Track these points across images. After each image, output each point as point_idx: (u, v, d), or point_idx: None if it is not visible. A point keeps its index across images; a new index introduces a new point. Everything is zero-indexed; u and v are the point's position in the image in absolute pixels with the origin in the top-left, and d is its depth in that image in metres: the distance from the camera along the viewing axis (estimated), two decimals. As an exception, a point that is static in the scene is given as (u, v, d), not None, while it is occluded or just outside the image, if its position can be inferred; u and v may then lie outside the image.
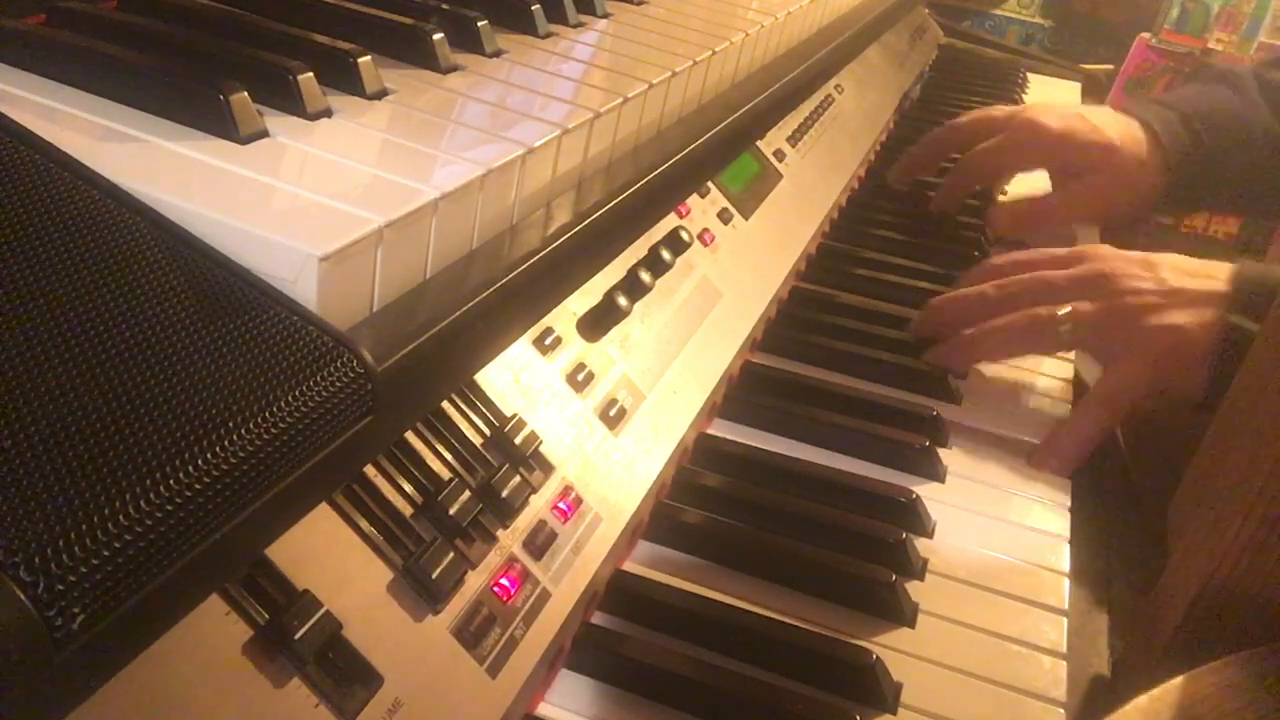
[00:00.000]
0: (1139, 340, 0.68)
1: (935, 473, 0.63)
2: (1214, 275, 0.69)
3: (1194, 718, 0.41)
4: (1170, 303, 0.67)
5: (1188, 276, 0.69)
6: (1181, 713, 0.41)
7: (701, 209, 0.69)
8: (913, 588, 0.54)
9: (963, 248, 0.93)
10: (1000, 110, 1.00)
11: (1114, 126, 0.95)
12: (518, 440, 0.45)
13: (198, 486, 0.27)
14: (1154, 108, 0.98)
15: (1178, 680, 0.42)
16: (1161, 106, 0.98)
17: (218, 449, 0.28)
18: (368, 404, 0.33)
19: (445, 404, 0.43)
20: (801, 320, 0.77)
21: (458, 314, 0.38)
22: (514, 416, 0.45)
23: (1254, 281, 0.67)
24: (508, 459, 0.44)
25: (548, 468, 0.46)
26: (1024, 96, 1.43)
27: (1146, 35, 2.68)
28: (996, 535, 0.59)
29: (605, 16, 0.67)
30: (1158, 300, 0.68)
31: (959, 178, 0.98)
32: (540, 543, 0.44)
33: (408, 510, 0.39)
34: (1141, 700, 0.41)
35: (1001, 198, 1.04)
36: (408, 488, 0.39)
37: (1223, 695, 0.42)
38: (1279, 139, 0.96)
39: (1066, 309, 0.69)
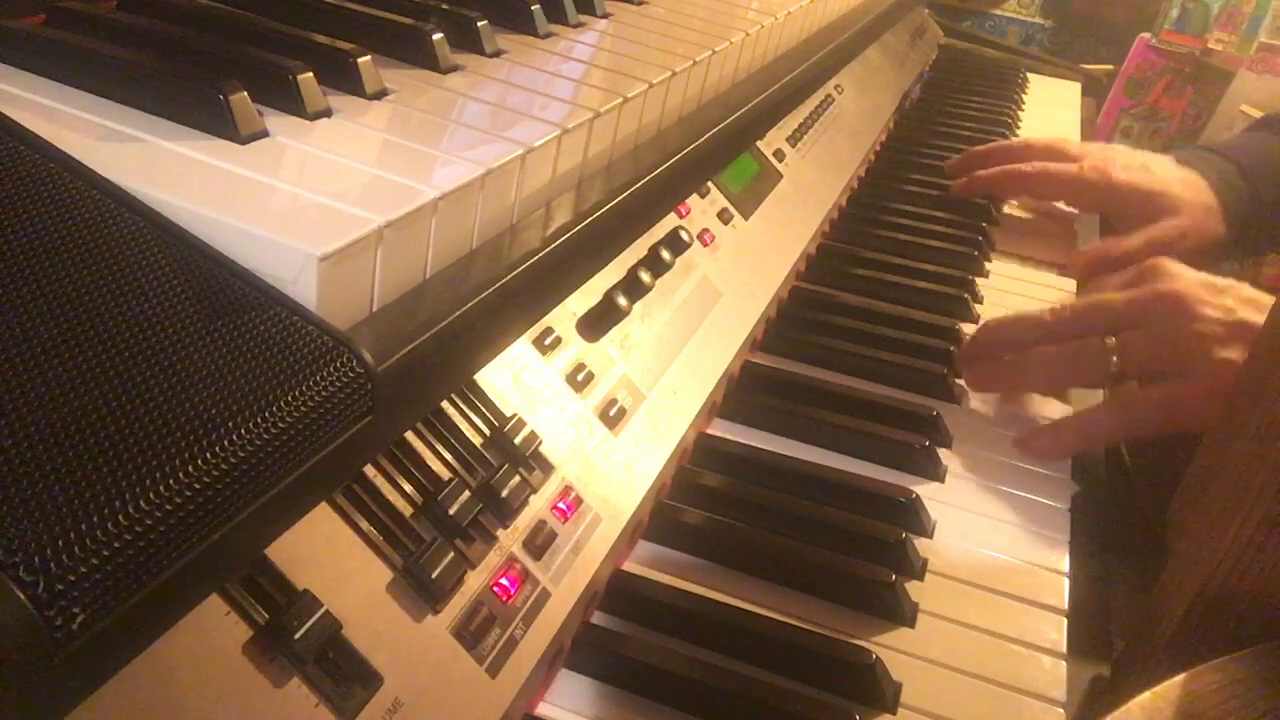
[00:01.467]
0: (1198, 370, 0.64)
1: (935, 473, 0.63)
2: None
3: (1196, 715, 0.41)
4: (1233, 335, 0.64)
5: (1254, 309, 0.65)
6: (1183, 710, 0.41)
7: (701, 209, 0.69)
8: (913, 588, 0.54)
9: (963, 248, 0.93)
10: (1075, 145, 1.01)
11: (1176, 182, 0.95)
12: (518, 440, 0.45)
13: (198, 486, 0.27)
14: (1213, 159, 0.99)
15: (1179, 678, 0.42)
16: (1220, 158, 0.99)
17: (218, 449, 0.28)
18: (367, 404, 0.33)
19: (445, 404, 0.43)
20: (801, 320, 0.77)
21: (458, 314, 0.38)
22: (514, 416, 0.45)
23: None
24: (508, 459, 0.44)
25: (548, 468, 0.46)
26: (1024, 96, 1.44)
27: (1146, 35, 2.68)
28: (996, 535, 0.59)
29: (605, 16, 0.67)
30: (1223, 331, 0.64)
31: (1011, 180, 0.99)
32: (540, 543, 0.44)
33: (408, 510, 0.39)
34: (1144, 698, 0.41)
35: (1013, 210, 1.05)
36: (408, 488, 0.39)
37: (1225, 693, 0.42)
38: None
39: (1112, 341, 0.67)
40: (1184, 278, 0.68)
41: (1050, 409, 0.73)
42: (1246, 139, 1.04)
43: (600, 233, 0.49)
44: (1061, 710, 0.49)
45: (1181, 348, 0.65)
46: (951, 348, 0.75)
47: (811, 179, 0.88)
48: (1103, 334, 0.67)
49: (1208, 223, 0.94)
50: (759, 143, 0.81)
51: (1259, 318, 0.64)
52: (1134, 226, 0.94)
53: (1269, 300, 0.66)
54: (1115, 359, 0.67)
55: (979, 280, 0.88)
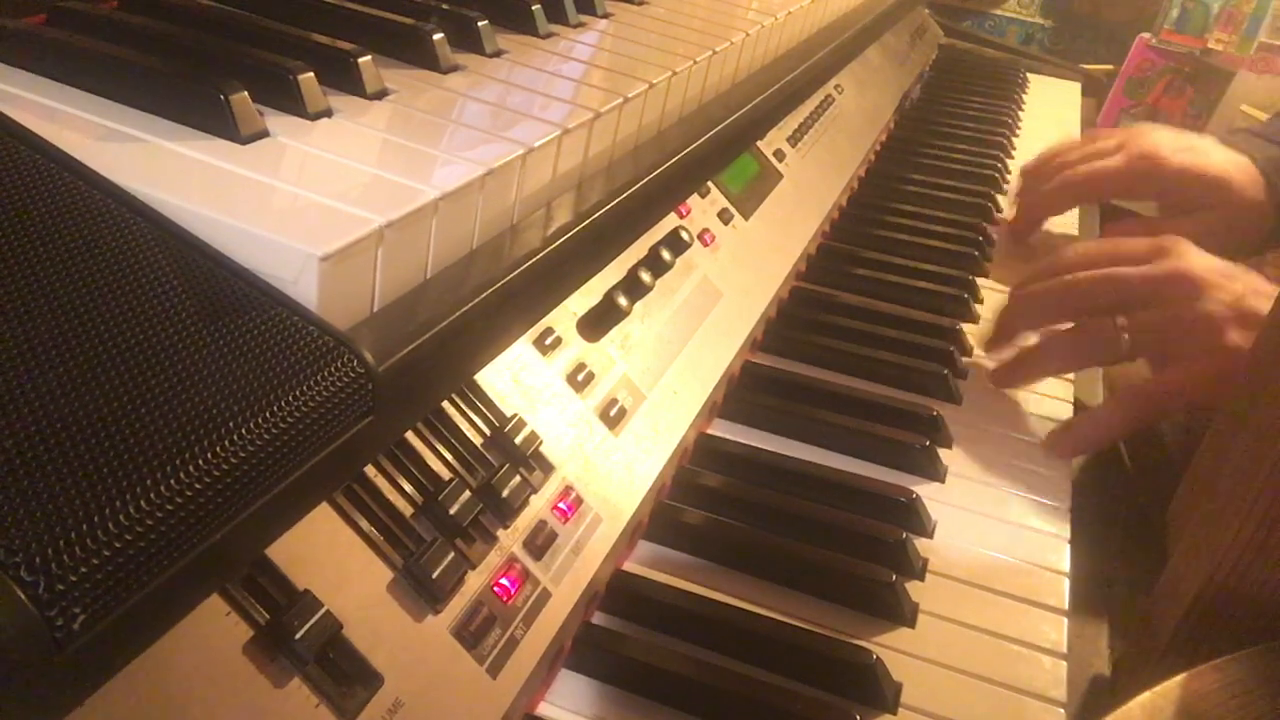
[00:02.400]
0: (1203, 353, 0.65)
1: (935, 473, 0.63)
2: None
3: (1197, 714, 0.41)
4: (1240, 322, 0.65)
5: (1262, 298, 0.66)
6: (1184, 710, 0.41)
7: (701, 209, 0.69)
8: (913, 588, 0.54)
9: (963, 248, 0.93)
10: (1106, 132, 0.99)
11: (1228, 163, 0.93)
12: (518, 440, 0.45)
13: (198, 486, 0.27)
14: (1258, 143, 0.96)
15: (1180, 678, 0.42)
16: (1265, 141, 0.96)
17: (218, 449, 0.28)
18: (368, 404, 0.33)
19: (445, 404, 0.43)
20: (802, 320, 0.77)
21: (458, 314, 0.38)
22: (514, 416, 0.45)
23: None
24: (508, 459, 0.44)
25: (548, 468, 0.46)
26: (1024, 96, 1.44)
27: (1146, 35, 2.68)
28: (996, 535, 0.59)
29: (605, 16, 0.67)
30: (1230, 315, 0.65)
31: (1066, 193, 0.96)
32: (540, 543, 0.44)
33: (408, 510, 0.39)
34: (1144, 697, 0.41)
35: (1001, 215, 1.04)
36: (408, 488, 0.39)
37: (1226, 692, 0.42)
38: None
39: (1124, 322, 0.67)
40: (1198, 258, 0.68)
41: (1050, 407, 0.73)
42: None
43: (600, 233, 0.49)
44: (1061, 710, 0.49)
45: (1188, 330, 0.66)
46: (951, 348, 0.75)
47: (812, 179, 0.88)
48: (1114, 310, 0.68)
49: (1253, 211, 0.91)
50: (759, 143, 0.81)
51: (1266, 307, 0.64)
52: (1185, 211, 0.91)
53: (1275, 290, 0.66)
54: (1126, 337, 0.67)
55: (979, 280, 0.88)
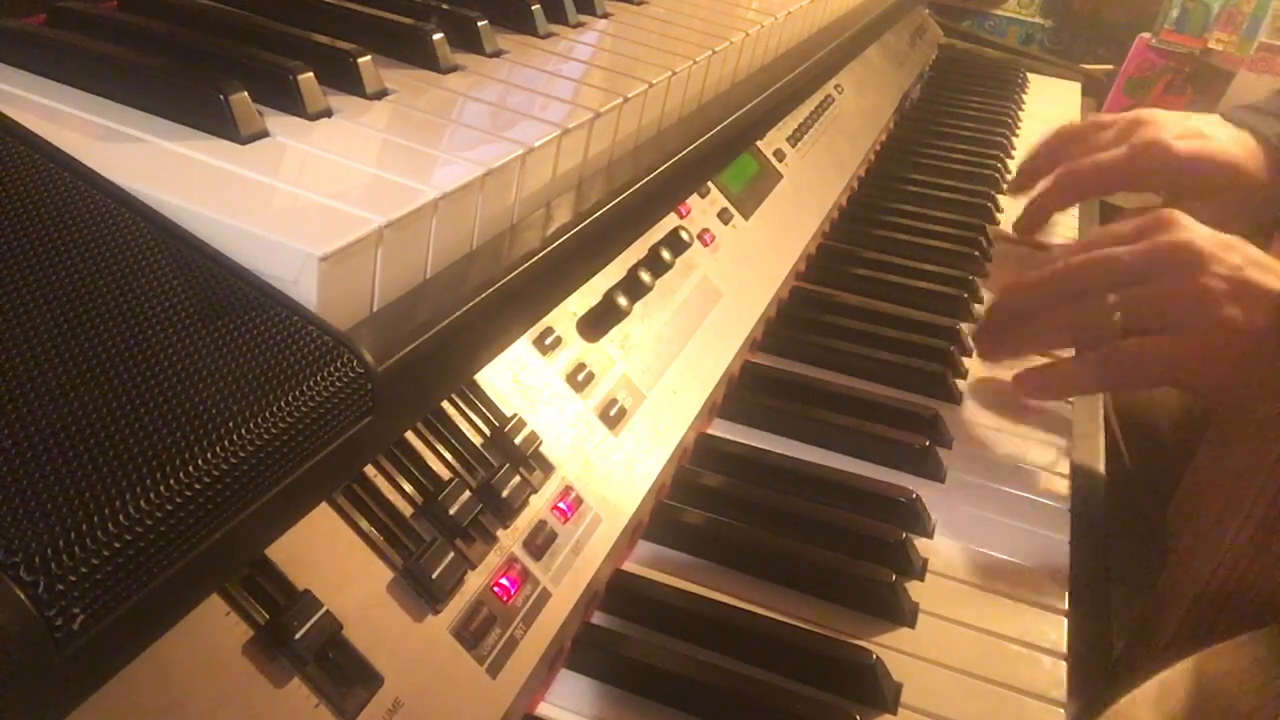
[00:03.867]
0: (1196, 327, 0.64)
1: (935, 473, 0.63)
2: None
3: (1217, 692, 0.40)
4: (1238, 294, 0.63)
5: (1260, 269, 0.64)
6: (1203, 687, 0.41)
7: (701, 209, 0.69)
8: (913, 588, 0.54)
9: (963, 248, 0.93)
10: (1110, 118, 0.95)
11: (1234, 144, 0.90)
12: (518, 440, 0.45)
13: (198, 486, 0.27)
14: (1263, 118, 0.93)
15: (1193, 658, 0.42)
16: (1269, 115, 0.94)
17: (218, 449, 0.28)
18: (368, 404, 0.33)
19: (445, 404, 0.43)
20: (801, 320, 0.77)
21: (458, 314, 0.38)
22: (514, 416, 0.45)
23: None
24: (508, 459, 0.44)
25: (548, 468, 0.46)
26: (1024, 96, 1.44)
27: (1146, 35, 2.68)
28: (996, 535, 0.59)
29: (605, 16, 0.67)
30: (1227, 288, 0.63)
31: (1072, 187, 0.93)
32: (540, 543, 0.44)
33: (408, 510, 0.39)
34: (1162, 675, 0.41)
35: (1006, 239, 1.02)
36: (408, 488, 0.39)
37: (1247, 670, 0.41)
38: None
39: (1116, 299, 0.66)
40: (1194, 229, 0.67)
41: (1052, 406, 0.73)
42: None
43: (600, 233, 0.49)
44: (1061, 710, 0.49)
45: (1184, 302, 0.64)
46: (951, 348, 0.75)
47: (811, 179, 0.88)
48: (1109, 289, 0.67)
49: (1260, 194, 0.89)
50: (759, 143, 0.81)
51: (1264, 278, 0.63)
52: (1195, 197, 0.88)
53: (1274, 263, 0.65)
54: (1119, 315, 0.66)
55: (979, 280, 0.88)
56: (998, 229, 1.00)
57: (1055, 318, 0.69)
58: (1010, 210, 1.03)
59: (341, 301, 0.34)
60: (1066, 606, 0.55)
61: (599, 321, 0.54)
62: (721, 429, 0.64)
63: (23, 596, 0.23)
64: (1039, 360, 0.72)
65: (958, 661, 0.50)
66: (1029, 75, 1.54)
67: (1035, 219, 0.96)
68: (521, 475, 0.44)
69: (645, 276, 0.57)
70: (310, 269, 0.32)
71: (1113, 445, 0.72)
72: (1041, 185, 0.97)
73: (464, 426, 0.43)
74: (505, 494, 0.42)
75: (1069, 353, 0.73)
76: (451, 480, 0.41)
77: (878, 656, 0.48)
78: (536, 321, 0.49)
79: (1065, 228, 1.05)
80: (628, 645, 0.48)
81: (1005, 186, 1.03)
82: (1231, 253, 0.65)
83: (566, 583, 0.45)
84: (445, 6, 0.56)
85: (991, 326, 0.74)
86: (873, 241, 0.92)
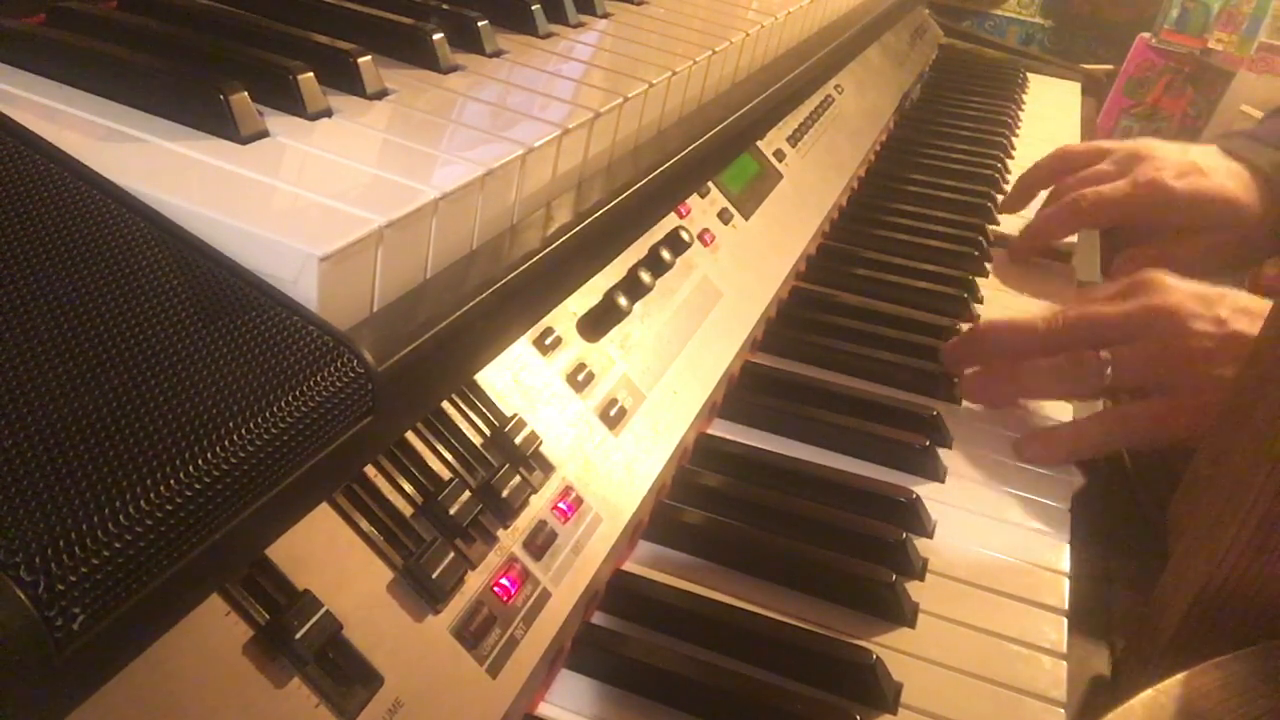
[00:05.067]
0: (1186, 386, 0.64)
1: (935, 473, 0.63)
2: None
3: (1199, 712, 0.41)
4: (1225, 349, 0.63)
5: (1247, 318, 0.64)
6: (1185, 707, 0.41)
7: (701, 209, 0.69)
8: (913, 588, 0.54)
9: (963, 248, 0.93)
10: (1110, 145, 0.96)
11: (1231, 179, 0.91)
12: (518, 440, 0.45)
13: (198, 486, 0.27)
14: (1258, 148, 0.94)
15: (1181, 675, 0.42)
16: (1263, 145, 0.94)
17: (218, 449, 0.28)
18: (368, 404, 0.33)
19: (445, 404, 0.43)
20: (801, 320, 0.77)
21: (458, 314, 0.38)
22: (514, 416, 0.45)
23: None
24: (508, 459, 0.44)
25: (548, 468, 0.46)
26: (1024, 96, 1.44)
27: (1146, 35, 2.68)
28: (996, 535, 0.59)
29: (605, 16, 0.67)
30: (1213, 346, 0.64)
31: (1069, 218, 0.93)
32: (540, 543, 0.44)
33: (408, 510, 0.39)
34: (1146, 695, 0.41)
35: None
36: (408, 488, 0.39)
37: (1228, 690, 0.42)
38: None
39: (1107, 355, 0.66)
40: (1175, 290, 0.67)
41: (1050, 409, 0.73)
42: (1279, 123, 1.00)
43: (600, 233, 0.49)
44: (1061, 710, 0.49)
45: (1172, 364, 0.65)
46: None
47: (811, 179, 0.88)
48: (1094, 348, 0.67)
49: (1257, 227, 0.90)
50: (759, 143, 0.81)
51: (1253, 327, 0.63)
52: (1189, 234, 0.90)
53: (1263, 306, 0.65)
54: (1109, 371, 0.66)
55: (979, 280, 0.88)
56: (998, 229, 1.00)
57: (1043, 367, 0.69)
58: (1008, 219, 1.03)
59: (342, 301, 0.34)
60: (1066, 606, 0.55)
61: (599, 321, 0.54)
62: (721, 429, 0.64)
63: (23, 596, 0.23)
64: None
65: (958, 661, 0.50)
66: (1029, 75, 1.54)
67: (1034, 245, 0.96)
68: (521, 475, 0.44)
69: (645, 276, 0.57)
70: (310, 269, 0.32)
71: (1104, 455, 0.72)
72: (1037, 205, 0.98)
73: (464, 426, 0.43)
74: (505, 494, 0.42)
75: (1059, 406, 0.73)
76: (451, 480, 0.41)
77: (878, 656, 0.48)
78: (536, 321, 0.49)
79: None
80: (628, 645, 0.48)
81: (1000, 203, 1.03)
82: (1215, 307, 0.65)
83: (566, 583, 0.45)
84: (445, 6, 0.56)
85: (960, 357, 0.73)
86: (873, 241, 0.92)
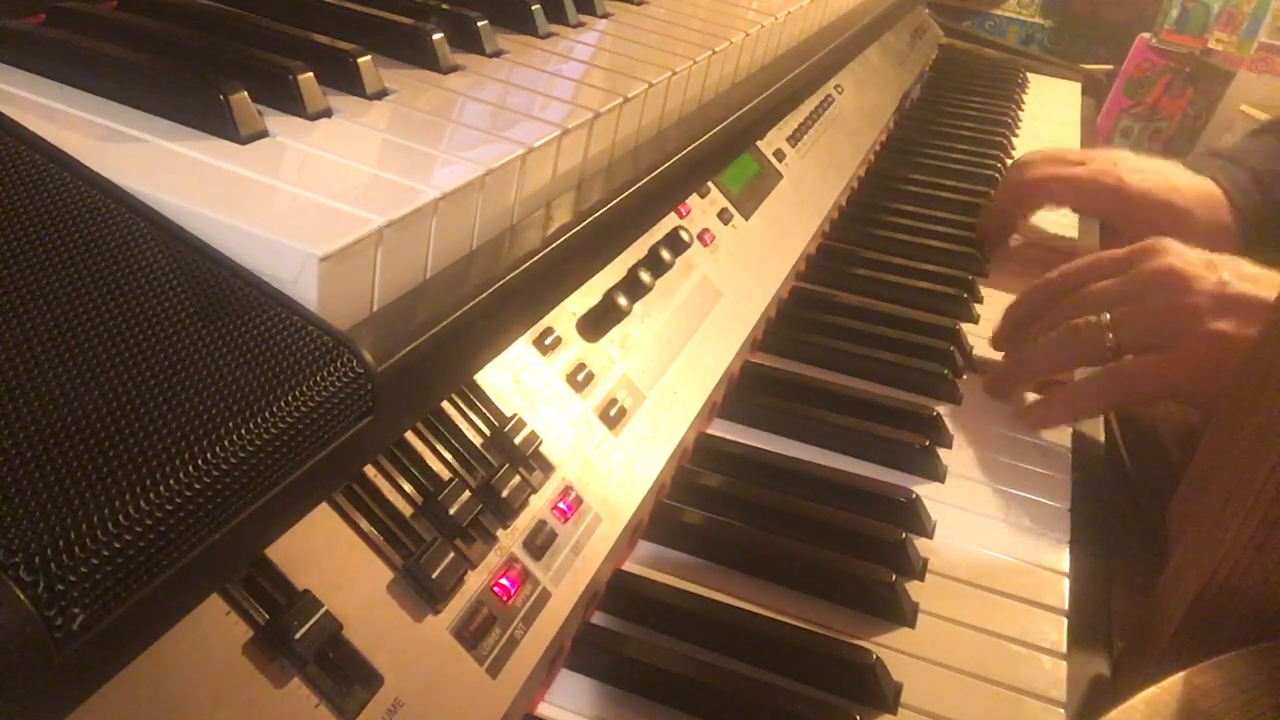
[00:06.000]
0: (1186, 342, 0.65)
1: (935, 473, 0.63)
2: (1277, 284, 0.65)
3: (1200, 710, 0.41)
4: (1226, 307, 0.65)
5: (1249, 282, 0.66)
6: (1186, 705, 0.41)
7: (701, 209, 0.69)
8: (913, 588, 0.54)
9: (963, 248, 0.93)
10: (1077, 152, 0.99)
11: (1189, 189, 0.93)
12: (518, 440, 0.45)
13: (198, 486, 0.27)
14: (1225, 166, 0.96)
15: (1182, 674, 0.42)
16: (1232, 164, 0.97)
17: (218, 449, 0.28)
18: (368, 404, 0.33)
19: (445, 404, 0.43)
20: (801, 320, 0.77)
21: (458, 314, 0.38)
22: (514, 416, 0.45)
23: None
24: (508, 459, 0.44)
25: (548, 468, 0.46)
26: (1024, 96, 1.44)
27: (1146, 35, 2.68)
28: (996, 535, 0.59)
29: (605, 16, 0.67)
30: (1213, 303, 0.65)
31: (1026, 195, 0.95)
32: (540, 543, 0.44)
33: (408, 510, 0.39)
34: (1148, 693, 0.41)
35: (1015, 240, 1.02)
36: (408, 488, 0.39)
37: (1229, 689, 0.42)
38: None
39: (1107, 317, 0.68)
40: (1180, 254, 0.69)
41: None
42: (1255, 144, 1.02)
43: (600, 233, 0.49)
44: (1061, 710, 0.49)
45: (1172, 319, 0.66)
46: (952, 348, 0.75)
47: (811, 179, 0.88)
48: (1101, 310, 0.68)
49: (1215, 237, 0.91)
50: (759, 143, 0.81)
51: (1257, 290, 0.65)
52: (1141, 235, 0.92)
53: (1270, 276, 0.66)
54: (1111, 335, 0.67)
55: (979, 280, 0.88)
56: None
57: (1048, 342, 0.70)
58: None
59: (341, 301, 0.34)
60: (1066, 606, 0.55)
61: (599, 321, 0.54)
62: (721, 429, 0.64)
63: (23, 596, 0.23)
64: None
65: (958, 661, 0.50)
66: (1029, 75, 1.54)
67: (996, 223, 0.97)
68: (521, 475, 0.44)
69: (645, 276, 0.57)
70: (310, 269, 0.32)
71: (1113, 446, 0.72)
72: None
73: (464, 426, 0.43)
74: (505, 494, 0.42)
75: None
76: (451, 480, 0.41)
77: (878, 656, 0.48)
78: (536, 321, 0.49)
79: (1063, 229, 1.05)
80: (628, 645, 0.48)
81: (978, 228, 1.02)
82: (1217, 270, 0.67)
83: (566, 583, 0.45)
84: (445, 6, 0.56)
85: (1005, 339, 0.76)
86: (873, 241, 0.92)
